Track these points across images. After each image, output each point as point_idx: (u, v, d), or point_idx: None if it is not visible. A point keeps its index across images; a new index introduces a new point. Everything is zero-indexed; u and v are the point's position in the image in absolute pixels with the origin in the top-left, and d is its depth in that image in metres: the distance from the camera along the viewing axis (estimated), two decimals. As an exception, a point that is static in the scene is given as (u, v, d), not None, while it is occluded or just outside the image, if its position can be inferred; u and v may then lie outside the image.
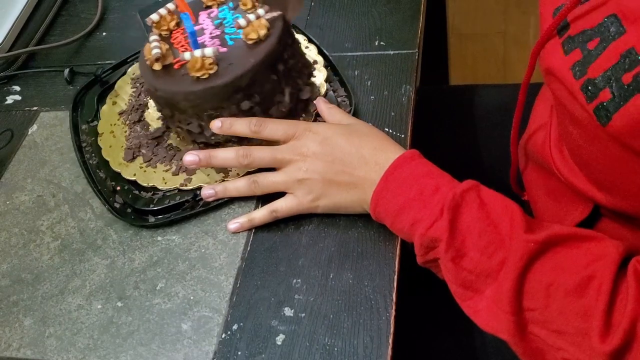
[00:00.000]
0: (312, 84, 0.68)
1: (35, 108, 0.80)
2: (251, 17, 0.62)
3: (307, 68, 0.69)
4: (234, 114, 0.62)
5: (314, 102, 0.66)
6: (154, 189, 0.65)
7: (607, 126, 0.43)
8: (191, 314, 0.57)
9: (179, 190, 0.65)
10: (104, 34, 0.88)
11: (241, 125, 0.60)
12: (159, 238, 0.63)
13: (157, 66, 0.62)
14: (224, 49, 0.62)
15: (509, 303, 0.46)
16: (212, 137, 0.64)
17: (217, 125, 0.60)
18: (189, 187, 0.64)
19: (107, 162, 0.69)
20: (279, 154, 0.60)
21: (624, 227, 0.53)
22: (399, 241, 0.58)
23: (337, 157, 0.58)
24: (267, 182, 0.61)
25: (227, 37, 0.63)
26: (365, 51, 0.75)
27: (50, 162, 0.73)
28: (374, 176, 0.55)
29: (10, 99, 0.82)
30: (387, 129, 0.66)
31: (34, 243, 0.65)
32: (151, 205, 0.64)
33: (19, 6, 0.87)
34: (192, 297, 0.58)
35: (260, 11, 0.62)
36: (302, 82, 0.66)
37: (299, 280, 0.57)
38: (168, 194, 0.65)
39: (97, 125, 0.73)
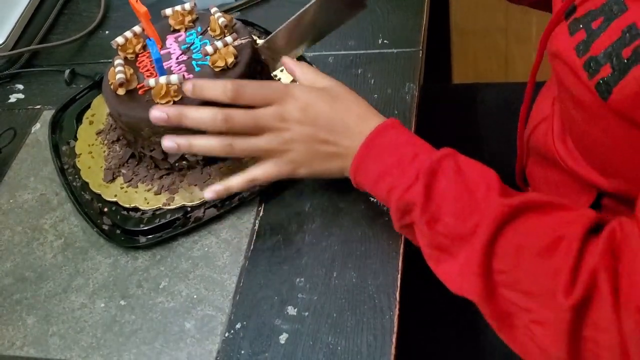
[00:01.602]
0: None
1: (38, 106, 0.79)
2: (219, 44, 0.61)
3: None
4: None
5: (281, 61, 0.63)
6: (136, 209, 0.64)
7: (608, 100, 0.44)
8: (194, 312, 0.57)
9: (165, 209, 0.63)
10: (107, 32, 0.88)
11: (215, 90, 0.56)
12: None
13: (120, 91, 0.62)
14: (190, 76, 0.61)
15: (479, 265, 0.46)
16: (177, 164, 0.63)
17: (188, 87, 0.57)
18: (172, 207, 0.63)
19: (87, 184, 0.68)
20: (261, 119, 0.57)
21: (626, 215, 0.54)
22: (403, 240, 0.58)
23: (321, 125, 0.57)
24: (245, 145, 0.58)
25: (194, 62, 0.63)
26: (368, 49, 0.75)
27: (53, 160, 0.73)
28: (357, 145, 0.55)
29: (13, 98, 0.82)
30: (390, 128, 0.66)
31: (37, 241, 0.65)
32: (141, 225, 0.63)
33: (22, 5, 0.87)
34: (195, 296, 0.58)
35: (228, 39, 0.62)
36: None
37: (303, 279, 0.57)
38: (158, 212, 0.64)
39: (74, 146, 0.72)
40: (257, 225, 0.62)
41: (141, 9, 0.62)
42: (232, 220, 0.62)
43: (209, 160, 0.64)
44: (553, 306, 0.44)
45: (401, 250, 0.57)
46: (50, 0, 0.91)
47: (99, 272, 0.62)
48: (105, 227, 0.64)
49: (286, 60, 0.63)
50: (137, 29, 0.66)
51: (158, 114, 0.57)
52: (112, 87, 0.62)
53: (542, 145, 0.61)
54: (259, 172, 0.59)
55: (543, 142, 0.61)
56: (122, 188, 0.66)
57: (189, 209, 0.63)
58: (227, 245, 0.61)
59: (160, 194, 0.64)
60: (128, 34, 0.66)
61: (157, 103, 0.59)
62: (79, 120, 0.74)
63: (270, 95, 0.57)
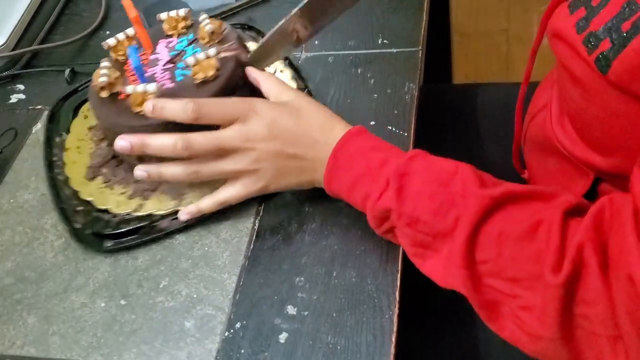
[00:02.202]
0: None
1: (39, 107, 0.80)
2: (200, 55, 0.60)
3: None
4: None
5: (246, 71, 0.63)
6: (107, 212, 0.64)
7: (608, 74, 0.45)
8: (194, 312, 0.57)
9: (135, 215, 0.63)
10: (107, 32, 0.88)
11: (174, 110, 0.56)
12: (162, 236, 0.63)
13: (103, 93, 0.62)
14: (171, 85, 0.61)
15: (462, 257, 0.47)
16: None
17: (148, 108, 0.57)
18: (141, 213, 0.63)
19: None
20: (225, 141, 0.57)
21: None
22: (402, 239, 0.58)
23: (287, 140, 0.57)
24: (211, 171, 0.58)
25: (177, 72, 0.62)
26: (368, 49, 0.75)
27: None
28: (324, 156, 0.55)
29: (14, 98, 0.82)
30: (390, 127, 0.66)
31: (37, 241, 0.66)
32: (108, 229, 0.63)
33: (23, 5, 0.88)
34: (195, 295, 0.58)
35: (211, 51, 0.61)
36: None
37: (302, 278, 0.57)
38: (127, 217, 0.63)
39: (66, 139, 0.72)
40: (257, 224, 0.62)
41: (131, 13, 0.62)
42: (232, 220, 0.62)
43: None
44: (540, 288, 0.44)
45: (401, 250, 0.57)
46: (51, 1, 0.91)
47: (99, 271, 0.62)
48: (78, 226, 0.64)
49: (250, 71, 0.62)
50: (130, 31, 0.66)
51: (122, 143, 0.57)
52: (95, 88, 0.62)
53: (541, 133, 0.62)
54: (229, 194, 0.59)
55: (542, 129, 0.61)
56: (99, 188, 0.66)
57: (155, 217, 0.62)
58: (227, 245, 0.61)
59: (132, 198, 0.64)
60: (120, 35, 0.66)
61: (135, 110, 0.59)
62: (75, 113, 0.74)
63: (231, 113, 0.57)
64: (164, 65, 0.63)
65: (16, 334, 0.59)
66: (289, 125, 0.57)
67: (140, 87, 0.58)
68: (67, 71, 0.80)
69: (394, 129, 0.66)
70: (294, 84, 0.70)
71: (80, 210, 0.65)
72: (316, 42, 0.78)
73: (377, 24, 0.78)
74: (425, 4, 0.78)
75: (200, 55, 0.60)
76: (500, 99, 0.91)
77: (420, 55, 0.73)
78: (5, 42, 0.83)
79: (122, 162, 0.67)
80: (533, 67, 0.62)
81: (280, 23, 0.60)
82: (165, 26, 0.67)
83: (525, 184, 0.49)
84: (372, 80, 0.71)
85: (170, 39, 0.67)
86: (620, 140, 0.49)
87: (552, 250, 0.43)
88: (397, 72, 0.71)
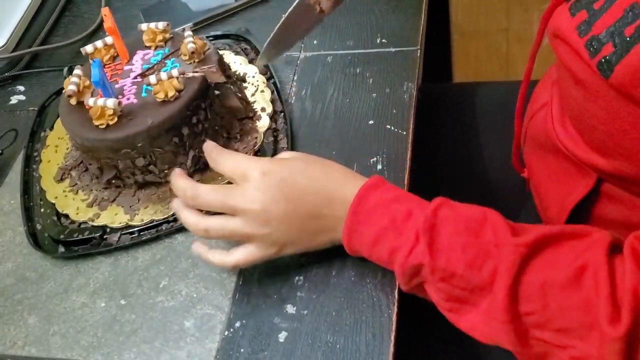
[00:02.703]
0: (238, 140, 0.65)
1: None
2: (163, 75, 0.59)
3: (229, 128, 0.65)
4: (128, 167, 0.61)
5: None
6: (66, 216, 0.64)
7: (610, 78, 0.44)
8: (194, 311, 0.57)
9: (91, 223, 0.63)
10: (107, 34, 0.88)
11: (177, 189, 0.56)
12: (162, 236, 0.63)
13: (72, 101, 0.62)
14: (134, 101, 0.61)
15: (506, 312, 0.45)
16: (113, 181, 0.63)
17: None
18: (96, 223, 0.63)
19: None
20: (232, 200, 0.53)
21: (624, 203, 0.54)
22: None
23: (299, 199, 0.53)
24: (221, 234, 0.54)
25: (144, 86, 0.62)
26: (367, 49, 0.75)
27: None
28: (342, 214, 0.52)
29: (14, 99, 0.82)
30: (388, 127, 0.66)
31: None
32: (61, 236, 0.63)
33: (23, 7, 0.88)
34: (195, 295, 0.58)
35: (174, 71, 0.59)
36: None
37: (301, 277, 0.57)
38: (83, 225, 0.64)
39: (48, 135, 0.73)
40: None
41: (107, 23, 0.63)
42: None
43: (141, 185, 0.63)
44: (594, 340, 0.43)
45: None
46: (51, 2, 0.92)
47: (99, 271, 0.62)
48: (39, 227, 0.65)
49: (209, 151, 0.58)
50: (109, 39, 0.66)
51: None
52: (64, 94, 0.61)
53: (542, 132, 0.61)
54: (242, 258, 0.54)
55: (542, 128, 0.61)
56: (64, 191, 0.67)
57: (107, 229, 0.63)
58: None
59: (91, 207, 0.64)
60: (99, 43, 0.66)
61: (95, 122, 0.59)
62: None
63: (238, 173, 0.54)
64: (134, 77, 0.63)
65: (17, 334, 0.59)
66: (300, 182, 0.53)
67: (100, 101, 0.58)
68: (66, 70, 0.81)
69: (392, 128, 0.66)
70: (270, 108, 0.68)
71: (43, 211, 0.66)
72: (315, 42, 0.78)
73: (375, 23, 0.78)
74: (424, 4, 0.78)
75: (163, 75, 0.59)
76: (500, 97, 0.91)
77: (418, 54, 0.73)
78: (6, 43, 0.84)
79: (89, 168, 0.66)
80: (533, 67, 0.61)
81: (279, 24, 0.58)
82: (144, 37, 0.66)
83: (555, 225, 0.48)
84: (371, 80, 0.71)
85: (147, 51, 0.66)
86: (622, 142, 0.49)
87: (604, 298, 0.42)
88: (396, 72, 0.71)
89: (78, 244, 0.63)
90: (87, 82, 0.63)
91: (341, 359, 0.52)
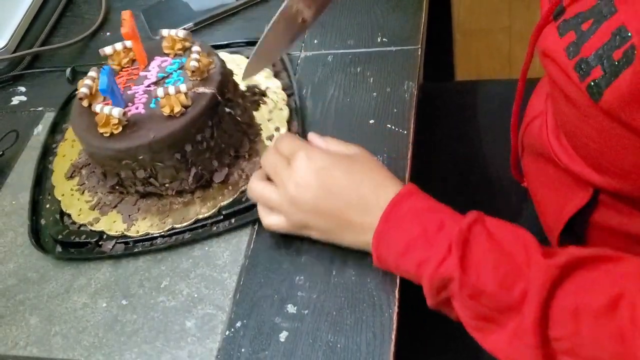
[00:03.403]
0: (246, 159, 0.64)
1: (40, 108, 0.80)
2: (171, 89, 0.58)
3: (238, 146, 0.64)
4: (129, 177, 0.61)
5: (308, 136, 0.61)
6: (68, 216, 0.64)
7: (599, 102, 0.44)
8: (195, 311, 0.57)
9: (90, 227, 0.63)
10: (108, 34, 0.88)
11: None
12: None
13: (84, 102, 0.61)
14: (142, 112, 0.60)
15: (535, 335, 0.44)
16: (116, 187, 0.63)
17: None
18: (94, 228, 0.63)
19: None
20: (279, 170, 0.56)
21: (622, 212, 0.53)
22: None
23: (331, 192, 0.54)
24: (259, 195, 0.58)
25: (154, 98, 0.61)
26: (367, 48, 0.75)
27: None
28: (374, 219, 0.52)
29: (15, 100, 0.82)
30: (389, 126, 0.66)
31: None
32: (60, 236, 0.63)
33: (24, 7, 0.88)
34: (196, 295, 0.58)
35: (182, 86, 0.58)
36: (219, 162, 0.62)
37: (302, 277, 0.57)
38: (82, 228, 0.64)
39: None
40: (257, 224, 0.62)
41: (123, 29, 0.62)
42: (232, 220, 0.63)
43: (143, 195, 0.63)
44: None
45: (400, 248, 0.57)
46: (52, 2, 0.92)
47: (100, 272, 0.62)
48: (43, 222, 0.65)
49: (312, 136, 0.61)
50: (129, 42, 0.65)
51: None
52: (100, 129, 0.60)
53: (537, 141, 0.60)
54: (272, 224, 0.58)
55: (538, 137, 0.60)
56: (71, 189, 0.67)
57: (104, 236, 0.63)
58: (227, 245, 0.61)
59: (93, 210, 0.64)
60: (118, 45, 0.65)
61: (100, 130, 0.59)
62: None
63: (287, 148, 0.57)
64: (147, 85, 0.62)
65: (19, 334, 0.59)
66: (339, 178, 0.54)
67: (107, 109, 0.58)
68: (68, 70, 0.81)
69: (393, 127, 0.66)
70: (284, 128, 0.67)
71: (49, 207, 0.66)
72: (315, 41, 0.78)
73: (376, 22, 0.78)
74: (425, 2, 0.78)
75: (170, 89, 0.58)
76: (501, 95, 0.91)
77: (419, 53, 0.73)
78: (7, 44, 0.84)
79: (96, 169, 0.65)
80: (525, 83, 0.60)
81: (284, 4, 0.58)
82: (164, 44, 0.65)
83: (586, 247, 0.47)
84: (372, 79, 0.71)
85: (165, 58, 0.65)
86: (615, 162, 0.48)
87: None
88: (397, 71, 0.71)
89: (75, 247, 0.63)
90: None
91: (342, 358, 0.52)
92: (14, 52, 0.85)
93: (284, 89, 0.70)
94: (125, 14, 0.63)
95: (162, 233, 0.61)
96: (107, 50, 0.65)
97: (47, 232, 0.64)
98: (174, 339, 0.56)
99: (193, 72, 0.61)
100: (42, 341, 0.58)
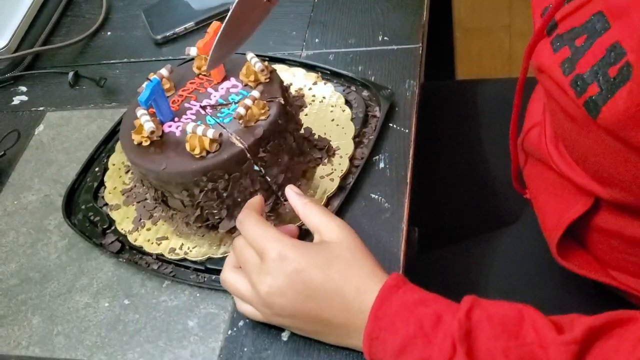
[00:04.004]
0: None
1: (41, 108, 0.80)
2: (199, 129, 0.54)
3: (266, 186, 0.59)
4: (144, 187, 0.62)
5: (286, 190, 0.56)
6: (110, 221, 0.64)
7: (597, 119, 0.43)
8: (197, 310, 0.57)
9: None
10: (109, 33, 0.88)
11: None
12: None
13: (145, 142, 0.57)
14: (178, 134, 0.57)
15: None
16: (163, 213, 0.62)
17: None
18: (111, 214, 0.64)
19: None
20: (248, 266, 0.52)
21: (624, 217, 0.53)
22: (404, 238, 0.58)
23: (310, 297, 0.49)
24: (232, 289, 0.54)
25: (208, 117, 0.58)
26: (368, 46, 0.75)
27: (57, 161, 0.73)
28: (360, 322, 0.48)
29: (16, 100, 0.82)
30: (391, 124, 0.66)
31: (41, 242, 0.66)
32: (83, 206, 0.66)
33: (24, 7, 0.88)
34: (198, 294, 0.58)
35: (210, 132, 0.54)
36: (229, 213, 0.58)
37: (305, 276, 0.57)
38: (104, 208, 0.65)
39: None
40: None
41: (203, 40, 0.60)
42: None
43: (182, 221, 0.61)
44: None
45: (402, 248, 0.57)
46: (53, 2, 0.92)
47: (102, 271, 0.62)
48: (80, 218, 0.66)
49: (290, 195, 0.55)
50: (164, 72, 0.61)
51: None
52: (134, 138, 0.57)
53: (536, 149, 0.60)
54: (248, 314, 0.54)
55: (537, 145, 0.60)
56: (123, 163, 0.68)
57: (112, 227, 0.64)
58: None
59: (122, 195, 0.66)
60: (164, 71, 0.61)
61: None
62: None
63: (256, 246, 0.51)
64: (203, 106, 0.59)
65: (21, 334, 0.59)
66: (317, 280, 0.49)
67: (143, 118, 0.56)
68: (71, 74, 0.80)
69: (395, 126, 0.66)
70: (349, 149, 0.63)
71: (97, 171, 0.69)
72: (316, 40, 0.78)
73: (377, 21, 0.78)
74: (426, 1, 0.78)
75: (199, 129, 0.54)
76: (502, 94, 0.90)
77: (420, 51, 0.73)
78: (8, 44, 0.84)
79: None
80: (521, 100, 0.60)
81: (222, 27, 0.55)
82: (243, 70, 0.60)
83: (597, 315, 0.45)
84: (373, 78, 0.71)
85: (237, 83, 0.61)
86: (616, 175, 0.47)
87: None
88: (398, 70, 0.71)
89: (90, 223, 0.65)
90: (168, 85, 0.60)
91: (344, 356, 0.52)
92: (15, 51, 0.85)
93: (347, 105, 0.67)
94: (211, 28, 0.59)
95: (154, 253, 0.61)
96: (192, 51, 0.61)
97: (86, 224, 0.65)
98: (177, 338, 0.56)
99: (240, 117, 0.55)
100: (44, 341, 0.58)
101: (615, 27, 0.43)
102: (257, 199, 0.55)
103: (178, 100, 0.60)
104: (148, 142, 0.57)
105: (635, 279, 0.58)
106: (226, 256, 0.56)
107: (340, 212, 0.60)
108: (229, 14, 0.54)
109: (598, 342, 0.43)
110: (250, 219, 0.52)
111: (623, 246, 0.56)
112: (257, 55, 0.60)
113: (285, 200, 0.59)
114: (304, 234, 0.59)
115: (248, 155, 0.55)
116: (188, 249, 0.60)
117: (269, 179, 0.58)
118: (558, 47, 0.48)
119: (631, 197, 0.48)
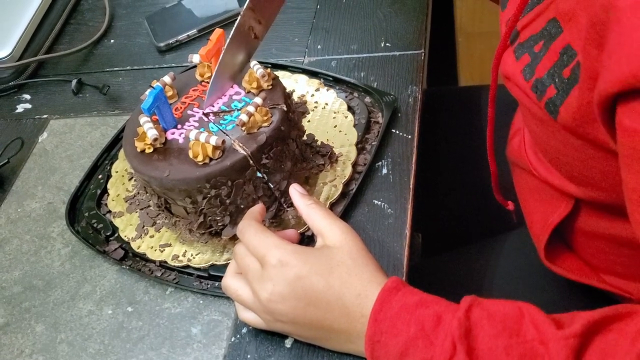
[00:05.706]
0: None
1: (45, 116, 0.80)
2: (202, 136, 0.54)
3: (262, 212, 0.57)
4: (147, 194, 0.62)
5: (290, 189, 0.56)
6: (113, 228, 0.64)
7: (558, 119, 0.46)
8: (201, 317, 0.57)
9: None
10: (112, 41, 0.88)
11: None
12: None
13: (148, 149, 0.57)
14: (180, 141, 0.57)
15: None
16: (165, 220, 0.62)
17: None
18: (114, 221, 0.64)
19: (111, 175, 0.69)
20: (249, 274, 0.51)
21: (605, 218, 0.54)
22: (407, 243, 0.58)
23: (311, 303, 0.49)
24: (234, 295, 0.53)
25: (211, 125, 0.58)
26: (371, 53, 0.75)
27: (60, 169, 0.73)
28: (361, 327, 0.48)
29: (20, 108, 0.83)
30: (394, 130, 0.66)
31: (45, 250, 0.66)
32: (86, 214, 0.65)
33: (28, 15, 0.88)
34: (201, 301, 0.58)
35: (213, 139, 0.54)
36: (232, 220, 0.58)
37: (308, 283, 0.57)
38: (107, 215, 0.65)
39: None
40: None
41: (205, 47, 0.60)
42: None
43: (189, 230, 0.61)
44: None
45: (406, 251, 0.57)
46: (56, 10, 0.92)
47: (106, 279, 0.62)
48: (83, 225, 0.66)
49: (294, 195, 0.55)
50: (167, 79, 0.61)
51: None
52: (137, 145, 0.57)
53: (517, 156, 0.62)
54: (249, 321, 0.54)
55: (517, 153, 0.62)
56: (126, 169, 0.68)
57: (115, 234, 0.64)
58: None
59: (125, 202, 0.66)
60: (167, 78, 0.60)
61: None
62: None
63: (257, 253, 0.51)
64: (206, 113, 0.59)
65: (25, 342, 0.59)
66: (317, 285, 0.49)
67: (146, 125, 0.56)
68: (74, 82, 0.81)
69: (398, 132, 0.66)
70: (353, 155, 0.63)
71: (100, 178, 0.68)
72: (319, 47, 0.78)
73: (379, 27, 0.78)
74: (428, 7, 0.78)
75: (201, 137, 0.54)
76: (505, 100, 0.90)
77: (423, 57, 0.73)
78: (11, 52, 0.84)
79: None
80: (495, 111, 0.60)
81: (237, 21, 0.57)
82: (245, 77, 0.60)
83: (596, 310, 0.45)
84: (376, 84, 0.71)
85: (239, 90, 0.61)
86: (586, 173, 0.49)
87: None
88: (401, 75, 0.71)
89: (93, 231, 0.65)
90: (171, 92, 0.60)
91: (348, 364, 0.52)
92: (19, 60, 0.85)
93: (349, 111, 0.67)
94: (217, 33, 0.60)
95: (157, 260, 0.61)
96: (195, 58, 0.61)
97: (89, 231, 0.65)
98: (180, 345, 0.56)
99: (242, 125, 0.56)
100: (47, 349, 0.58)
101: (566, 30, 0.45)
102: (257, 208, 0.56)
103: (181, 108, 0.60)
104: (151, 150, 0.57)
105: (625, 281, 0.58)
106: (229, 263, 0.56)
107: (343, 218, 0.60)
108: (225, 48, 0.57)
109: (598, 336, 0.43)
110: (250, 228, 0.53)
111: (609, 247, 0.57)
112: (260, 62, 0.60)
113: (289, 206, 0.59)
114: (307, 241, 0.59)
115: (251, 161, 0.55)
116: (191, 255, 0.60)
117: (271, 186, 0.58)
118: (520, 55, 0.50)
119: (604, 195, 0.49)
